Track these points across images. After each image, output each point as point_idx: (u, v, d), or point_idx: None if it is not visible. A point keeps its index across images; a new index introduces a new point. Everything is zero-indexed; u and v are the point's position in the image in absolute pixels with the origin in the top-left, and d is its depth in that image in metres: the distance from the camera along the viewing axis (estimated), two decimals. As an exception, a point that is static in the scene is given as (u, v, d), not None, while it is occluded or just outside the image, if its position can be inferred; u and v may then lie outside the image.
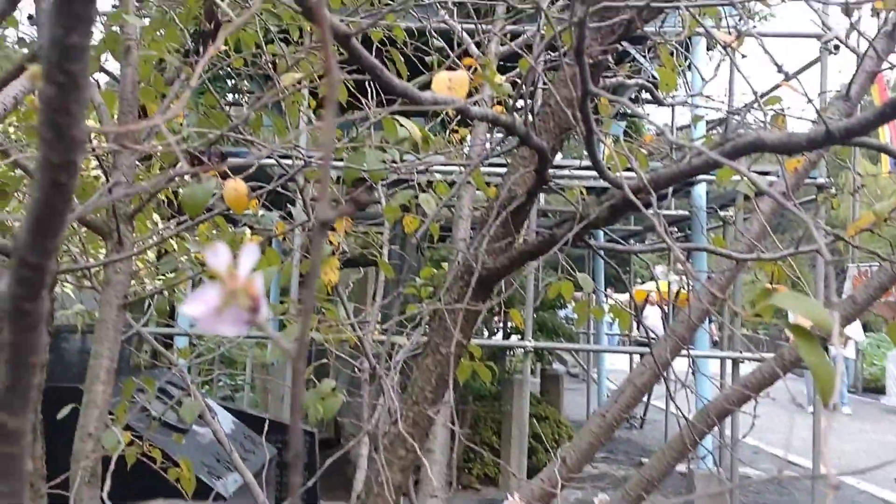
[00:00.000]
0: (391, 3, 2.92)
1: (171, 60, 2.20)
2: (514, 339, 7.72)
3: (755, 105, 1.72)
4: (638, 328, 8.68)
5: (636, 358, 9.68)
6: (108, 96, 2.13)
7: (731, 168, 0.93)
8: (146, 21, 2.26)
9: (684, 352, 2.09)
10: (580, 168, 4.48)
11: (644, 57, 3.55)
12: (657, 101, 1.94)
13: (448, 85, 1.32)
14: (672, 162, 1.34)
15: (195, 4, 1.85)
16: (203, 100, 2.51)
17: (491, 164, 4.92)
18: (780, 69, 1.44)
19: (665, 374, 1.90)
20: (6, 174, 2.18)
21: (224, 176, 1.41)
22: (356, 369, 2.39)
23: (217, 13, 2.07)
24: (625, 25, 1.37)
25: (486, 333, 7.90)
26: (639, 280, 16.21)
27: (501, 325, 8.46)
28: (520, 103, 1.56)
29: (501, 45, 2.77)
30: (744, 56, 1.60)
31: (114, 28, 2.09)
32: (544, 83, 1.79)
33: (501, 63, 2.62)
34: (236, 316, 0.41)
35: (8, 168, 2.11)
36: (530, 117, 1.50)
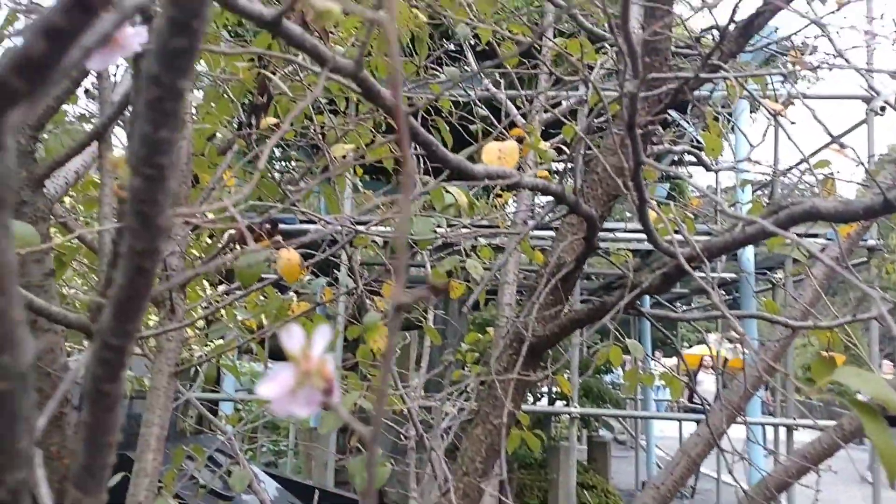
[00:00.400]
0: (436, 72, 2.98)
1: (224, 133, 2.27)
2: (559, 404, 7.61)
3: (804, 169, 1.71)
4: (691, 397, 8.47)
5: (686, 425, 9.44)
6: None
7: (786, 237, 0.93)
8: (200, 94, 2.34)
9: (737, 418, 2.03)
10: (624, 231, 4.46)
11: (687, 122, 3.56)
12: (705, 167, 1.94)
13: (498, 155, 1.34)
14: (725, 230, 1.34)
15: (249, 78, 1.91)
16: (251, 168, 2.57)
17: (535, 228, 4.92)
18: (834, 139, 1.43)
19: (720, 444, 1.85)
20: (63, 244, 2.25)
21: (276, 244, 1.44)
22: (402, 436, 2.37)
23: (269, 86, 2.14)
24: (671, 95, 1.38)
25: (530, 399, 7.80)
26: (685, 344, 15.93)
27: (546, 390, 8.35)
28: (562, 165, 1.57)
29: (545, 112, 2.81)
30: (793, 123, 1.60)
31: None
32: (588, 148, 1.81)
33: (544, 129, 2.65)
34: (310, 397, 0.42)
35: (63, 234, 2.17)
36: (578, 184, 1.51)
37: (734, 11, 1.24)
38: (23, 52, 0.25)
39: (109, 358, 0.42)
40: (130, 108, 1.22)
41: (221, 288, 2.94)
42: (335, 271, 4.78)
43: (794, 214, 1.05)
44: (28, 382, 0.35)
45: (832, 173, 2.13)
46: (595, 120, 1.88)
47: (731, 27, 1.44)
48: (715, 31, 1.91)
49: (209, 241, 2.73)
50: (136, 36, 0.55)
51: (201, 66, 2.38)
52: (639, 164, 1.04)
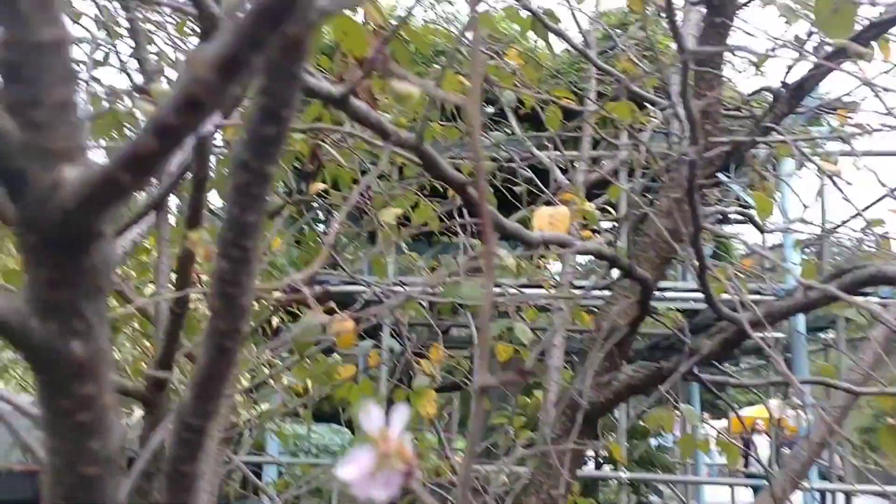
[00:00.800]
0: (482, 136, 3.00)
1: (273, 198, 2.31)
2: (606, 469, 7.43)
3: (862, 228, 1.68)
4: (745, 463, 8.20)
5: (739, 490, 9.11)
6: (214, 232, 2.24)
7: (852, 302, 0.90)
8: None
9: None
10: (673, 290, 4.40)
11: (733, 180, 3.53)
12: (759, 229, 1.92)
13: (549, 220, 1.34)
14: (787, 293, 1.31)
15: (305, 148, 1.95)
16: (296, 232, 2.61)
17: (579, 287, 4.87)
18: (890, 192, 1.40)
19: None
20: (115, 309, 2.28)
21: (329, 311, 1.44)
22: (448, 502, 2.33)
23: (320, 154, 2.18)
24: (724, 157, 1.38)
25: (577, 462, 7.61)
26: (735, 405, 15.48)
27: (593, 454, 8.16)
28: (606, 224, 1.56)
29: (589, 173, 2.81)
30: (849, 184, 1.58)
31: (224, 170, 2.22)
32: (636, 208, 1.80)
33: (587, 189, 2.65)
34: (389, 479, 0.41)
35: (119, 304, 2.21)
36: (626, 245, 1.50)
37: (786, 74, 1.24)
38: (133, 149, 0.26)
39: (189, 438, 0.42)
40: (187, 177, 1.25)
41: (268, 352, 2.95)
42: (379, 333, 4.78)
43: (858, 279, 1.03)
44: (116, 466, 0.35)
45: (887, 232, 2.09)
46: (643, 180, 1.87)
47: (783, 89, 1.44)
48: (765, 93, 1.91)
49: (255, 303, 2.76)
50: (210, 116, 0.56)
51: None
52: (699, 229, 1.04)
